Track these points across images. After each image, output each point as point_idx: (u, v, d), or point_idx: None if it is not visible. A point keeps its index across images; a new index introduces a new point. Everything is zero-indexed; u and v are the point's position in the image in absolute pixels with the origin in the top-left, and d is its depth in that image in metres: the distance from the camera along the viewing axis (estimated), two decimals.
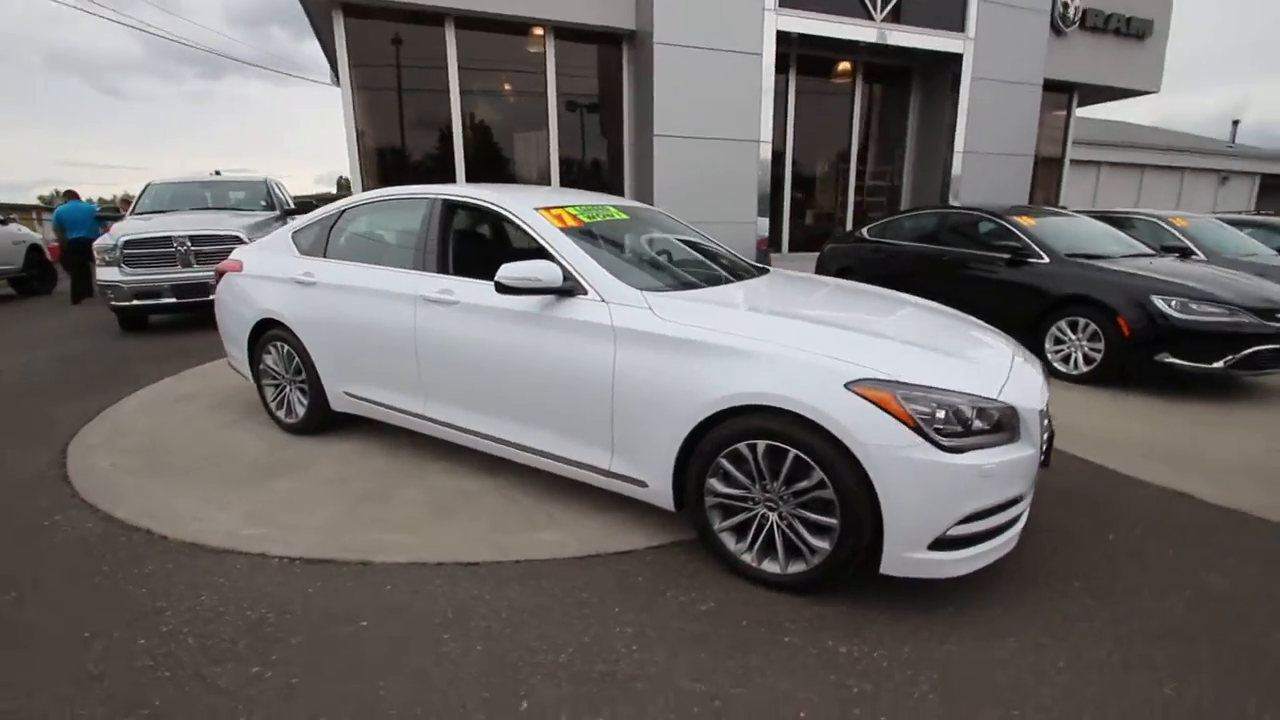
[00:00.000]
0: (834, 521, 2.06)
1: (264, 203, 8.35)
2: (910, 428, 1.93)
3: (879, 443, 1.94)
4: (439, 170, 8.25)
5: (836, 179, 10.60)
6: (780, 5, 8.28)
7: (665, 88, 7.96)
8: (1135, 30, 11.08)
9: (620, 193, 9.02)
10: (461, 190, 3.16)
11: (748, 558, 2.26)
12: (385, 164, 8.23)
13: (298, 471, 3.20)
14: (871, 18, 8.89)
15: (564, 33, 8.33)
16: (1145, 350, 4.60)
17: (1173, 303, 4.52)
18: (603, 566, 2.38)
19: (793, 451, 2.08)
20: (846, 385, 1.99)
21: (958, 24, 9.36)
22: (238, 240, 6.85)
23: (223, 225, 7.03)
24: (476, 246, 3.72)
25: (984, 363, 2.28)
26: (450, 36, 7.83)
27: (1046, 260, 5.31)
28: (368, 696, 1.73)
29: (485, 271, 2.87)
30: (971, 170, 9.97)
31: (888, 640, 1.97)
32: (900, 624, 2.04)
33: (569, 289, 2.55)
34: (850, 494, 2.00)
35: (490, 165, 8.65)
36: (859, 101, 10.15)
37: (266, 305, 3.60)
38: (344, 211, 3.55)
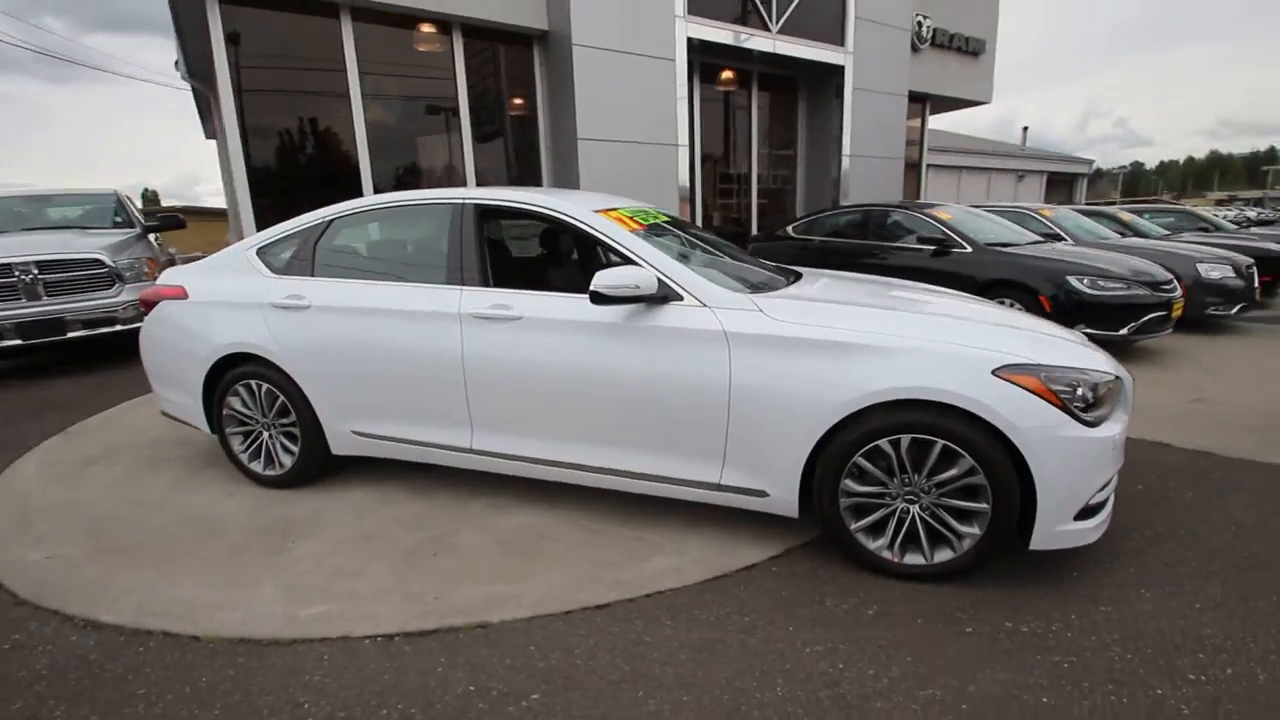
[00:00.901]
0: (984, 506, 2.10)
1: (118, 219, 7.04)
2: (1058, 407, 2.02)
3: (1032, 424, 2.01)
4: (340, 179, 7.44)
5: (739, 182, 11.03)
6: (689, 13, 8.46)
7: (586, 91, 7.81)
8: (973, 48, 12.72)
9: None
10: (494, 194, 2.84)
11: (888, 554, 2.24)
12: (273, 174, 7.29)
13: (314, 531, 2.70)
14: (768, 29, 9.37)
15: (473, 31, 7.86)
16: (1064, 324, 5.25)
17: (1084, 281, 5.21)
18: (739, 587, 2.24)
19: (940, 442, 2.09)
20: (993, 372, 2.04)
21: (839, 39, 10.15)
22: (98, 264, 5.73)
23: (75, 247, 5.82)
24: (518, 255, 3.38)
25: (1077, 341, 2.45)
26: (347, 30, 7.07)
27: (969, 250, 5.90)
28: None
29: (536, 282, 2.60)
30: (856, 172, 10.85)
31: (1051, 613, 2.04)
32: (1047, 597, 2.13)
33: (664, 295, 2.38)
34: (1002, 477, 2.05)
35: (399, 171, 7.95)
36: (755, 109, 10.65)
37: (235, 338, 3.00)
38: (332, 222, 3.05)
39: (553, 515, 2.76)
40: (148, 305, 3.30)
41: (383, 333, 2.78)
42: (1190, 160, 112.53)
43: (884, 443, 2.15)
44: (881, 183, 11.23)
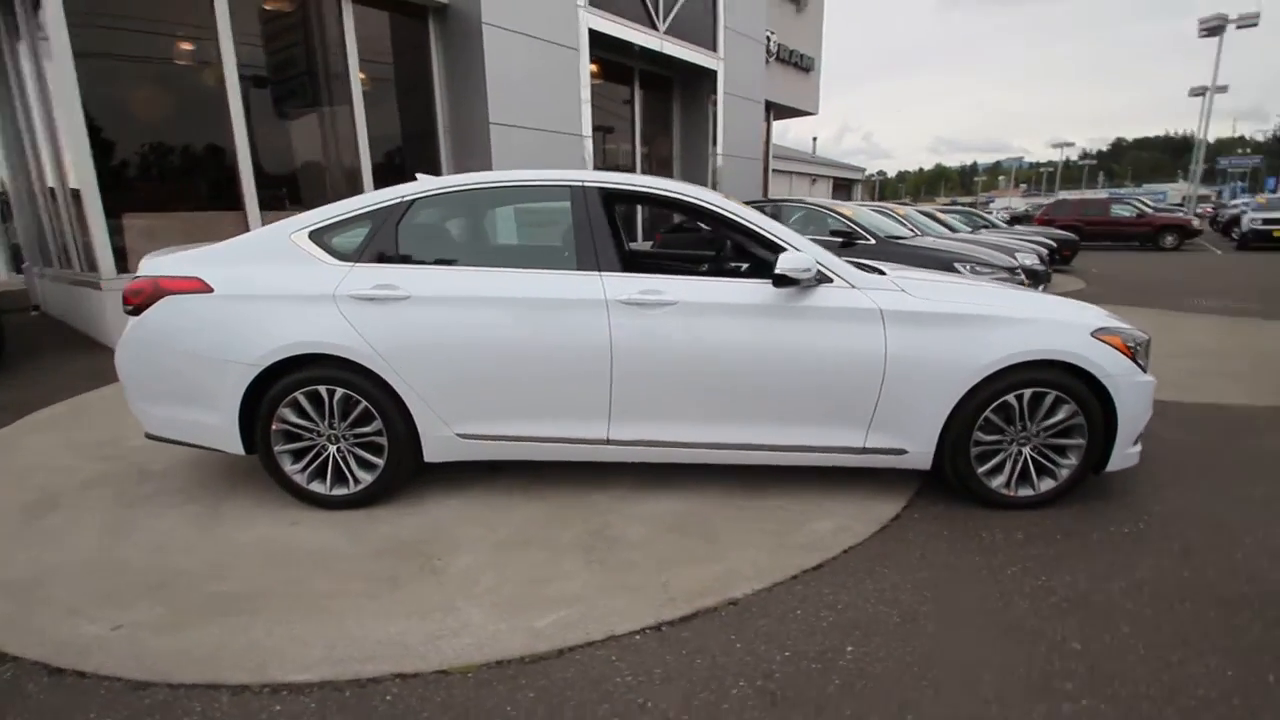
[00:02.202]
0: (1081, 442, 2.63)
1: None
2: (1130, 359, 2.61)
3: (1118, 373, 2.57)
4: (211, 158, 6.28)
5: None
6: (590, 4, 8.46)
7: (496, 73, 7.45)
8: (805, 65, 14.38)
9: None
10: (617, 178, 2.76)
11: (1005, 490, 2.70)
12: (126, 153, 5.93)
13: (454, 547, 2.43)
14: (657, 28, 9.72)
15: None
16: None
17: (967, 267, 6.37)
18: (905, 534, 2.53)
19: (1054, 393, 2.58)
20: (1092, 334, 2.58)
21: (712, 45, 10.86)
22: None
23: None
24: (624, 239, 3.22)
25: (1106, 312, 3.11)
26: None
27: (873, 241, 6.83)
28: None
29: (667, 267, 2.63)
30: (728, 171, 11.74)
31: (1145, 515, 2.63)
32: (1121, 506, 2.73)
33: (821, 278, 2.57)
34: (1096, 418, 2.60)
35: (281, 150, 6.89)
36: (638, 106, 10.96)
37: (300, 337, 2.54)
38: (414, 202, 2.71)
39: (687, 499, 2.80)
40: (137, 301, 2.63)
41: (507, 323, 2.58)
42: (920, 170, 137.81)
43: (1010, 397, 2.59)
44: (747, 181, 12.28)
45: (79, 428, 3.82)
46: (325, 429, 2.66)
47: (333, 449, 2.69)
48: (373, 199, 2.72)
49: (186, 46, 6.19)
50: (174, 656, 1.86)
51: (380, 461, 2.68)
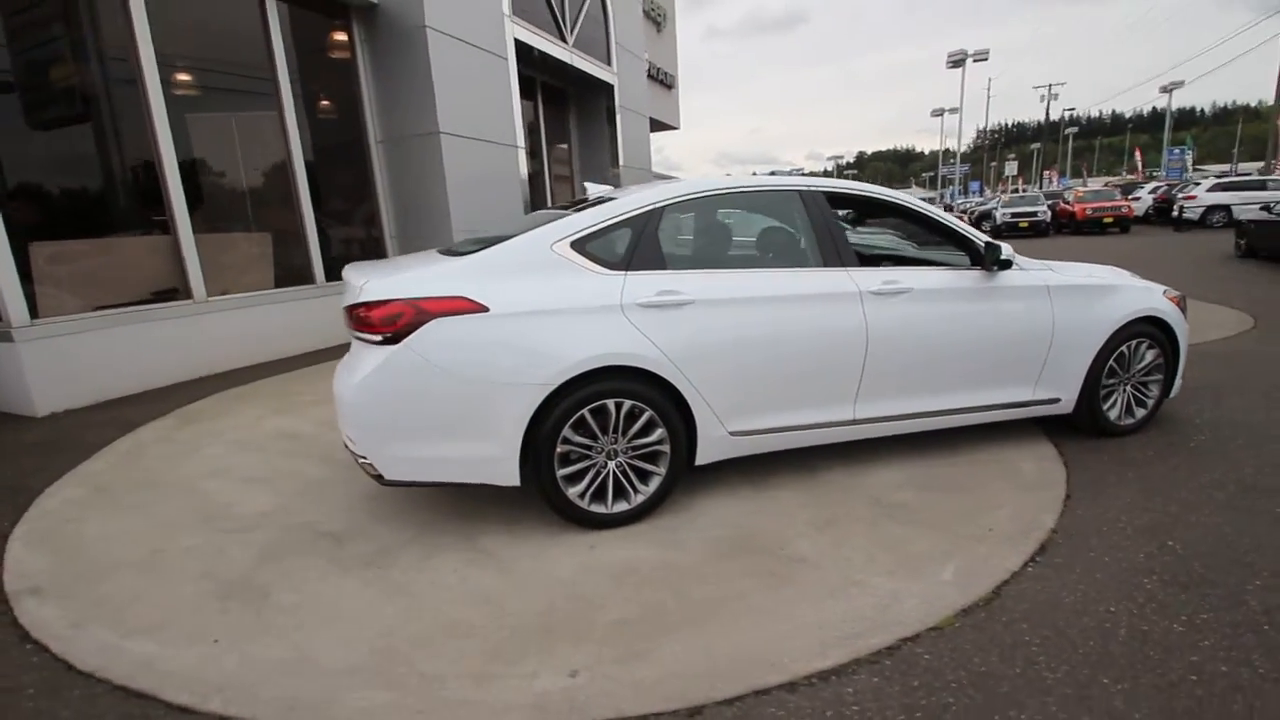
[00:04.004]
0: (1159, 377, 3.49)
1: None
2: (1182, 310, 3.53)
3: (1178, 323, 3.46)
4: (136, 169, 5.12)
5: (538, 189, 11.11)
6: (513, 13, 8.31)
7: (443, 81, 7.02)
8: (669, 82, 15.32)
9: (374, 198, 7.41)
10: (832, 184, 3.03)
11: (1119, 421, 3.46)
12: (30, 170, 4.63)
13: (784, 538, 2.52)
14: (565, 40, 9.79)
15: None
16: None
17: None
18: (1087, 488, 3.15)
19: (1146, 340, 3.40)
20: (1164, 294, 3.44)
21: (607, 59, 11.19)
22: None
23: None
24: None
25: None
26: None
27: None
28: None
29: (879, 260, 3.00)
30: (626, 180, 12.15)
31: (1189, 433, 3.55)
32: (1175, 431, 3.65)
33: (1011, 263, 3.10)
34: (1170, 358, 3.47)
35: (208, 157, 5.81)
36: (541, 118, 10.88)
37: (595, 350, 2.44)
38: (665, 209, 2.70)
39: (901, 468, 3.15)
40: (394, 328, 2.30)
41: (778, 320, 2.72)
42: None
43: (1125, 347, 3.35)
44: None
45: (146, 514, 3.04)
46: (606, 445, 2.56)
47: (611, 465, 2.59)
48: (624, 206, 2.67)
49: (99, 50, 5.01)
50: (660, 683, 1.77)
51: (660, 470, 2.65)
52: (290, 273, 6.51)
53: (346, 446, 2.57)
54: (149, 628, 2.12)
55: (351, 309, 2.42)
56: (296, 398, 4.81)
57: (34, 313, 4.42)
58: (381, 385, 2.32)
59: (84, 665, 1.95)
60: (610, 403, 2.50)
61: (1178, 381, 3.56)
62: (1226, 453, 3.20)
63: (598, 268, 2.56)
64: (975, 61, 28.99)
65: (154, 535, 2.76)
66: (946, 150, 67.74)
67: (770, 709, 1.67)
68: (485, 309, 2.37)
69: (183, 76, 5.57)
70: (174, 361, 5.31)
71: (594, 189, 3.16)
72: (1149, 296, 3.38)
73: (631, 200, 2.70)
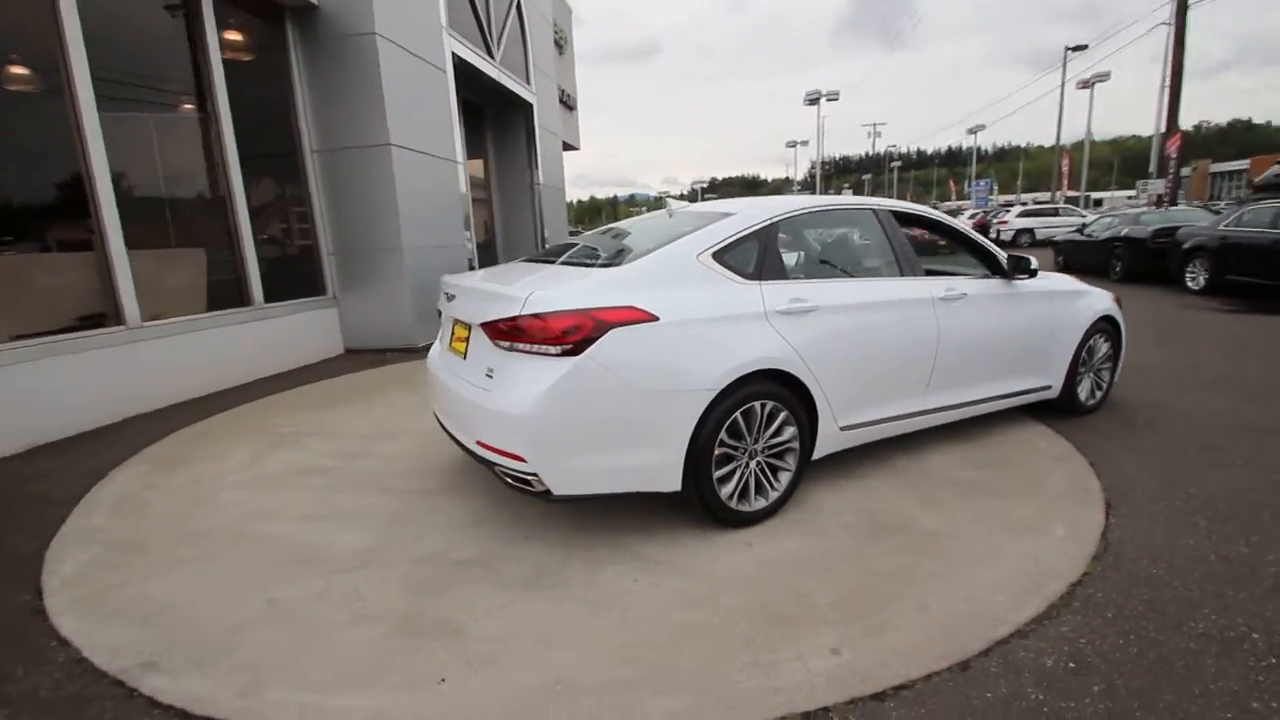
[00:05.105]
0: (1111, 364, 4.30)
1: None
2: (1120, 308, 4.38)
3: (1122, 320, 4.30)
4: (62, 176, 4.33)
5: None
6: (449, 26, 8.08)
7: (393, 91, 6.67)
8: (570, 103, 15.52)
9: (310, 212, 6.80)
10: (895, 204, 3.44)
11: (1088, 402, 4.19)
12: None
13: (905, 520, 2.79)
14: (493, 57, 9.65)
15: None
16: None
17: None
18: (1108, 453, 3.80)
19: (1104, 336, 4.18)
20: (1114, 299, 4.25)
21: (526, 78, 11.17)
22: None
23: None
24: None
25: None
26: None
27: None
28: None
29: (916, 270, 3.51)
30: (544, 198, 12.14)
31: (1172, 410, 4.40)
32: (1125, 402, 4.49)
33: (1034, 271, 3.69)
34: (1118, 343, 4.29)
35: (139, 162, 5.02)
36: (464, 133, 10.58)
37: (752, 355, 2.59)
38: (779, 223, 2.91)
39: (930, 455, 3.59)
40: (574, 339, 2.28)
41: (880, 323, 3.04)
42: (579, 202, 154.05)
43: (1093, 340, 4.09)
44: (556, 207, 12.86)
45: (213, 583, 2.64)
46: (748, 445, 2.69)
47: (752, 464, 2.73)
48: (746, 220, 2.84)
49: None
50: (918, 647, 1.96)
51: (790, 466, 2.83)
52: (226, 293, 5.80)
53: (489, 464, 2.48)
54: (343, 681, 1.91)
55: (511, 321, 2.35)
56: (282, 431, 4.33)
57: None
58: (565, 398, 2.28)
59: None
60: (757, 404, 2.65)
61: (1119, 369, 4.40)
62: (1168, 423, 4.01)
63: (737, 278, 2.71)
64: (828, 101, 32.70)
65: (249, 588, 2.43)
66: (787, 178, 74.42)
67: (1022, 654, 1.92)
68: (655, 318, 2.42)
69: (111, 72, 4.81)
70: (108, 397, 4.53)
71: (675, 205, 3.29)
72: (1105, 299, 4.16)
73: (750, 215, 2.88)
